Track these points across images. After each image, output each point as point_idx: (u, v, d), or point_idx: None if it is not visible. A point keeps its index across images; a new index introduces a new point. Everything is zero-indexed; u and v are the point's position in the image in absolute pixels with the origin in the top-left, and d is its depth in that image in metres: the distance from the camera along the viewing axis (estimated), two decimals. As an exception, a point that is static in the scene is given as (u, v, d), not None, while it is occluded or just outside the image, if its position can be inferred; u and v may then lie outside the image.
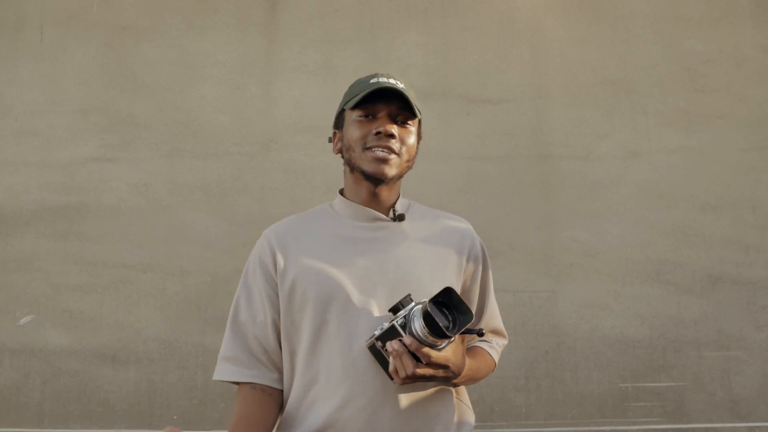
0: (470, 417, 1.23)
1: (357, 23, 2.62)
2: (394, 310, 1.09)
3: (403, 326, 1.06)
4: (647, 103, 2.57)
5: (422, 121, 1.32)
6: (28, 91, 2.57)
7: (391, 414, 1.10)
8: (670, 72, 2.59)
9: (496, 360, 1.30)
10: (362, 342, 1.11)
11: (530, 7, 2.65)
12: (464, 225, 1.30)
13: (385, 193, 1.23)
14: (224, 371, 1.19)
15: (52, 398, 2.37)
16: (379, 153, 1.17)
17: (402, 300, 1.09)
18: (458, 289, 1.23)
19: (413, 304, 1.08)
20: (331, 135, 1.33)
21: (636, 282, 2.44)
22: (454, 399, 1.20)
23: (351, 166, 1.22)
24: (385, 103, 1.19)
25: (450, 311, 1.04)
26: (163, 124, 2.55)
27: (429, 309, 1.02)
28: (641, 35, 2.62)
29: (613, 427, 2.34)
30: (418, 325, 1.03)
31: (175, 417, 2.35)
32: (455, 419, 1.18)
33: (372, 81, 1.21)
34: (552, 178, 2.52)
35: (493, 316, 1.32)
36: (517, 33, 2.63)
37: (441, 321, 1.02)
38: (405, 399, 1.11)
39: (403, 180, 1.27)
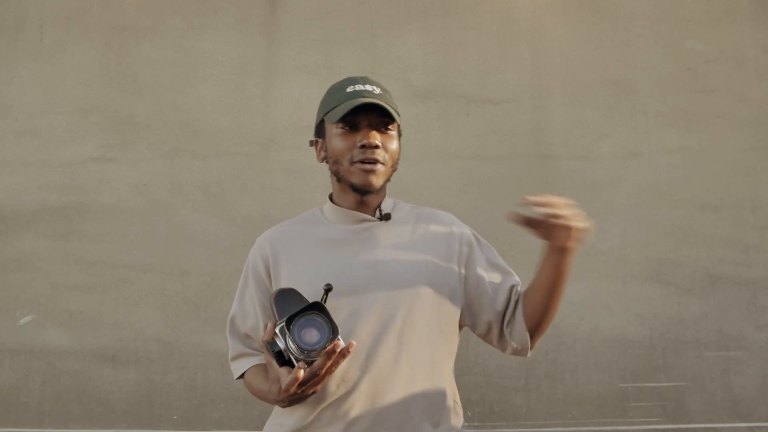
0: (457, 421, 1.22)
1: (357, 23, 2.62)
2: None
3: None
4: (647, 103, 2.57)
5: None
6: (28, 91, 2.57)
7: (370, 414, 1.13)
8: (670, 72, 2.59)
9: None
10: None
11: (530, 7, 2.65)
12: (449, 218, 1.32)
13: (373, 198, 1.26)
14: (235, 369, 1.27)
15: (52, 398, 2.37)
16: (367, 166, 1.19)
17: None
18: (459, 281, 1.24)
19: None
20: (312, 139, 1.33)
21: (636, 282, 2.44)
22: (446, 399, 1.20)
23: (338, 177, 1.25)
24: (365, 113, 1.19)
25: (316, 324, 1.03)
26: (163, 124, 2.55)
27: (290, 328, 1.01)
28: (641, 35, 2.62)
29: (613, 427, 2.34)
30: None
31: (174, 417, 2.35)
32: (438, 422, 1.17)
33: (348, 90, 1.20)
34: (552, 178, 2.52)
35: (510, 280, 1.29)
36: (517, 33, 2.63)
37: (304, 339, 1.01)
38: (385, 401, 1.13)
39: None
